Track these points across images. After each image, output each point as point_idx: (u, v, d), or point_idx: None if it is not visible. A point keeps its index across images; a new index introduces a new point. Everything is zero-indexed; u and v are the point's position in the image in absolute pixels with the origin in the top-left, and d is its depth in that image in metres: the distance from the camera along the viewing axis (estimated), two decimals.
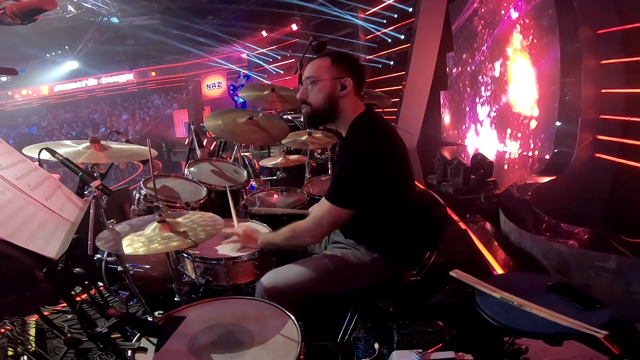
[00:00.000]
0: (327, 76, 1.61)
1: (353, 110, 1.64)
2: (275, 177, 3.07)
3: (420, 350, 1.37)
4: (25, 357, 1.61)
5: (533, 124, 6.37)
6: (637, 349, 1.73)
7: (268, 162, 3.04)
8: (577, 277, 2.74)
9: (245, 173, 2.61)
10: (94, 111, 20.81)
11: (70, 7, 13.00)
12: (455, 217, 4.21)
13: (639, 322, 2.24)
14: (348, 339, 1.78)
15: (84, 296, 1.72)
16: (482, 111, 7.86)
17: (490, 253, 3.37)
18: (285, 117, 5.43)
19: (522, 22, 6.43)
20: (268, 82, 5.58)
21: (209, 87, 17.49)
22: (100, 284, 2.10)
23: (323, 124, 1.75)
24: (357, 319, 1.83)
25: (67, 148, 1.82)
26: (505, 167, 6.76)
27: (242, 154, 3.20)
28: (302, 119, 3.90)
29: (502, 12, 6.89)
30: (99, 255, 2.00)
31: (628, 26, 4.35)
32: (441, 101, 9.13)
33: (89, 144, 1.85)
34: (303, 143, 2.94)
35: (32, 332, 1.81)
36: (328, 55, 1.65)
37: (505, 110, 7.10)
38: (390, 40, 10.26)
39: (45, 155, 1.56)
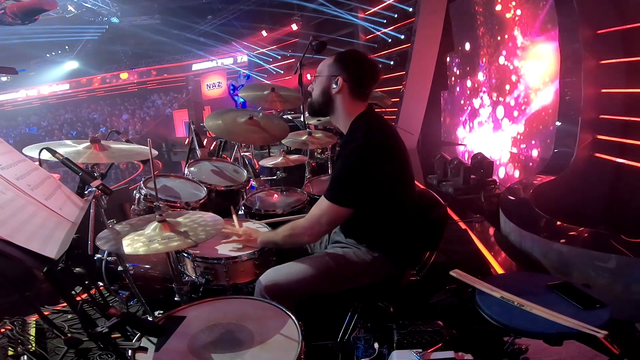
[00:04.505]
0: (324, 73, 1.66)
1: (351, 109, 1.65)
2: (275, 177, 3.07)
3: (420, 350, 1.37)
4: (25, 356, 1.61)
5: (533, 123, 6.37)
6: (637, 349, 1.73)
7: (268, 162, 3.04)
8: (577, 277, 2.74)
9: (245, 173, 2.61)
10: (94, 111, 20.82)
11: (70, 7, 13.02)
12: (455, 217, 4.21)
13: (639, 322, 2.24)
14: (348, 338, 1.78)
15: (84, 296, 1.72)
16: (482, 111, 7.86)
17: (490, 253, 3.36)
18: (285, 117, 5.44)
19: (521, 22, 6.43)
20: (268, 82, 5.59)
21: (209, 87, 17.45)
22: (101, 283, 2.10)
23: (319, 115, 1.86)
24: (357, 319, 1.83)
25: (68, 148, 1.82)
26: (506, 166, 6.76)
27: (242, 153, 3.20)
28: (302, 119, 3.93)
29: (502, 11, 6.89)
30: (99, 255, 2.00)
31: (628, 26, 4.35)
32: (441, 101, 9.13)
33: (89, 143, 1.85)
34: (303, 143, 2.94)
35: (32, 331, 1.81)
36: (335, 53, 1.69)
37: (506, 110, 7.10)
38: (390, 40, 10.24)
39: (46, 155, 1.56)
